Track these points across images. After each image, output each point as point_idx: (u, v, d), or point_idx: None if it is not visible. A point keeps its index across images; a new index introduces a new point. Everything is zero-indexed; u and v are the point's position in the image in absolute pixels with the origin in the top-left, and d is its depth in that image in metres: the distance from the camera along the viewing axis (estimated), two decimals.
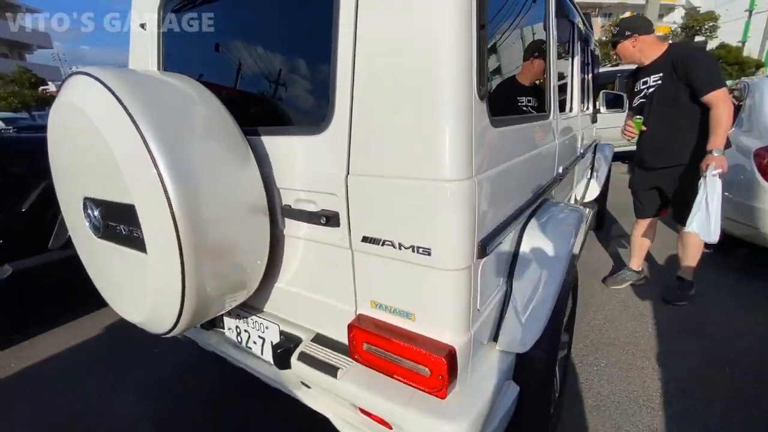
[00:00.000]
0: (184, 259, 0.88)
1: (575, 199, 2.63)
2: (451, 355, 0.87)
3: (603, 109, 3.00)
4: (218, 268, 1.01)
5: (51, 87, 24.25)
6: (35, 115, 20.90)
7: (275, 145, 1.08)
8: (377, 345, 0.96)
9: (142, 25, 1.50)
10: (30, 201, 2.41)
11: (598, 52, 3.25)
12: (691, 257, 2.44)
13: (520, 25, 1.41)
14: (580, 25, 2.33)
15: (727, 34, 26.15)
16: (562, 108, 1.88)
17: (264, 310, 1.35)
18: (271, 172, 1.09)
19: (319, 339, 1.20)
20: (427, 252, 0.84)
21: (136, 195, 0.86)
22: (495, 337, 1.14)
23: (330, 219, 0.99)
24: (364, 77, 0.87)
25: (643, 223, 2.62)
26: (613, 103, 2.98)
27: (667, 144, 2.25)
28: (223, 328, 1.49)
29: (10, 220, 2.32)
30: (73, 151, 1.02)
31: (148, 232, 0.88)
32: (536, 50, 1.75)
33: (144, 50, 1.50)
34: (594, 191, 3.36)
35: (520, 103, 1.90)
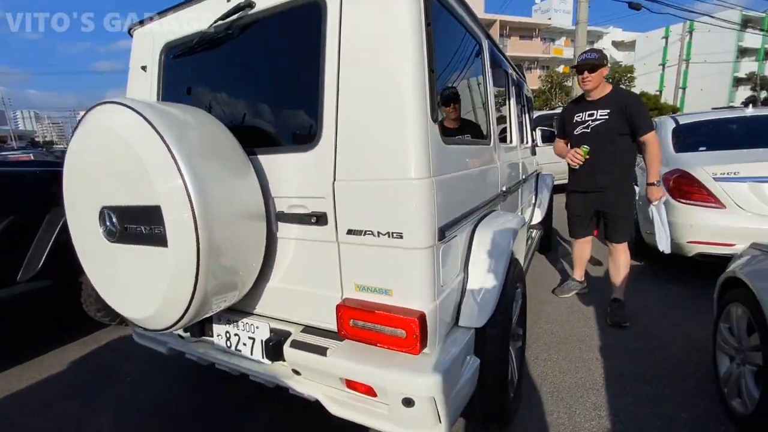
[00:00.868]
0: (200, 250, 1.06)
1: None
2: (421, 317, 1.09)
3: (540, 143, 3.50)
4: (224, 263, 1.18)
5: None
6: None
7: (271, 162, 1.32)
8: (362, 318, 1.16)
9: (143, 67, 1.72)
10: None
11: (531, 95, 3.81)
12: (622, 276, 2.70)
13: (464, 72, 1.78)
14: (513, 74, 2.82)
15: (646, 84, 30.22)
16: (502, 138, 2.27)
17: (254, 312, 1.50)
18: (267, 185, 1.31)
19: (307, 330, 1.37)
20: (400, 235, 1.09)
21: (163, 198, 1.05)
22: (457, 320, 1.37)
23: (319, 218, 1.22)
24: (346, 106, 1.15)
25: (581, 242, 2.95)
26: (548, 139, 3.50)
27: (604, 171, 2.55)
28: (212, 335, 1.61)
29: None
30: (96, 168, 1.20)
31: (171, 228, 1.06)
32: (451, 98, 1.96)
33: (144, 88, 1.71)
34: (538, 215, 3.80)
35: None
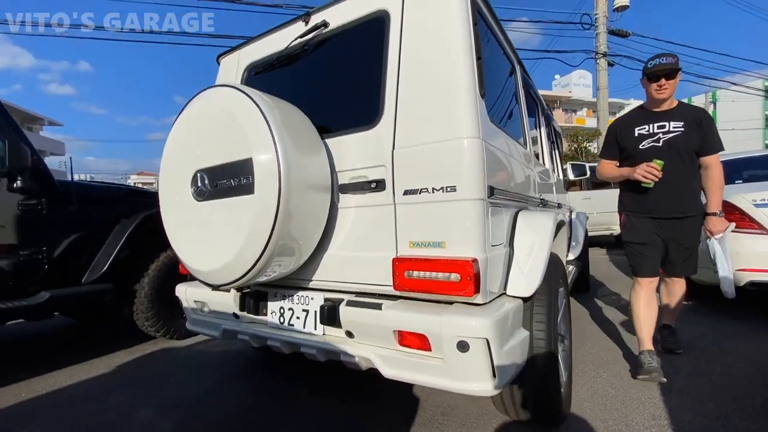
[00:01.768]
0: (280, 197, 1.24)
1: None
2: (474, 261, 1.17)
3: (571, 176, 3.62)
4: (292, 225, 1.34)
5: None
6: None
7: (338, 142, 1.52)
8: (417, 268, 1.25)
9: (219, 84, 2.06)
10: (70, 242, 2.68)
11: (560, 129, 4.01)
12: (676, 303, 2.42)
13: (499, 81, 2.01)
14: (543, 104, 3.06)
15: None
16: (536, 155, 2.43)
17: (309, 285, 1.61)
18: (333, 162, 1.51)
19: (359, 296, 1.46)
20: (453, 188, 1.22)
21: (255, 151, 1.26)
22: (504, 288, 1.42)
23: (378, 184, 1.39)
24: (406, 89, 1.37)
25: (646, 285, 2.24)
26: (579, 172, 3.62)
27: (683, 193, 2.14)
28: (266, 314, 1.70)
29: (53, 256, 2.56)
30: (198, 137, 1.44)
31: (259, 177, 1.25)
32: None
33: None
34: (576, 250, 3.79)
35: None
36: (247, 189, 1.27)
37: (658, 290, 2.37)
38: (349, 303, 1.40)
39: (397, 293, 1.35)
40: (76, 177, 2.71)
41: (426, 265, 1.24)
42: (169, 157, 1.56)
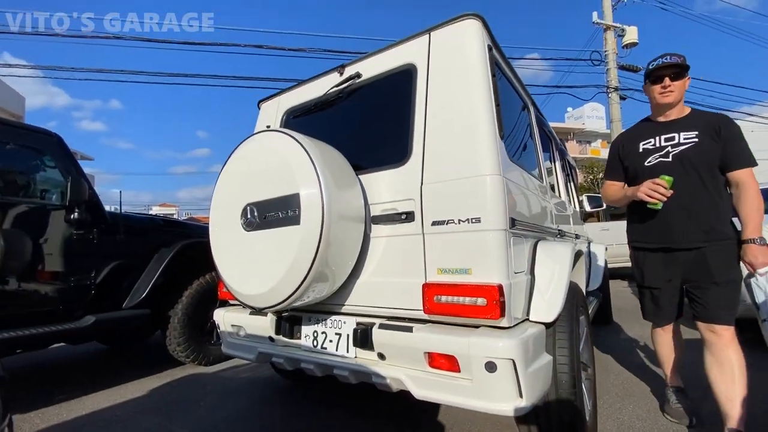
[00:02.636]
0: (323, 227, 1.39)
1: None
2: (500, 286, 1.28)
3: (587, 207, 3.70)
4: (330, 253, 1.48)
5: None
6: None
7: (370, 179, 1.69)
8: (445, 293, 1.37)
9: (268, 127, 2.30)
10: (114, 269, 2.88)
11: (574, 163, 4.13)
12: (737, 386, 1.64)
13: (515, 122, 2.18)
14: (557, 140, 3.21)
15: None
16: (552, 187, 2.55)
17: (341, 310, 1.72)
18: (366, 197, 1.67)
19: (389, 320, 1.56)
20: (478, 220, 1.36)
21: (302, 188, 1.43)
22: (527, 315, 1.51)
23: (408, 215, 1.53)
24: (433, 131, 1.54)
25: (661, 331, 2.01)
26: (595, 204, 3.71)
27: (702, 216, 1.74)
28: (300, 337, 1.82)
29: (98, 282, 2.75)
30: (249, 175, 1.63)
31: (305, 210, 1.41)
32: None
33: None
34: (596, 280, 3.80)
35: None
36: (294, 220, 1.44)
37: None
38: (382, 326, 1.51)
39: (426, 317, 1.45)
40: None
41: (454, 290, 1.35)
42: (221, 191, 1.75)
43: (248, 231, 1.59)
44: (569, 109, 39.00)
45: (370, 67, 1.86)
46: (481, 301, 1.30)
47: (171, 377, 3.02)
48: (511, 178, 1.50)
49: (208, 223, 1.86)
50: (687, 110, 1.92)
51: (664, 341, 2.03)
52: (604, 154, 32.35)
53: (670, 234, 1.82)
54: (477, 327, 1.37)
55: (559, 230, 2.29)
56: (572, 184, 3.78)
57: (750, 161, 1.73)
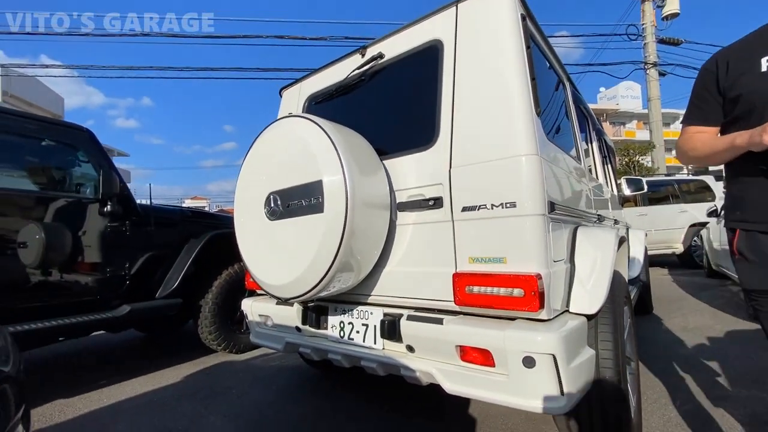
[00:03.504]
0: (347, 214, 1.33)
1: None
2: (539, 276, 1.18)
3: (627, 191, 3.47)
4: (355, 241, 1.42)
5: None
6: None
7: (395, 163, 1.61)
8: (477, 283, 1.28)
9: (290, 114, 2.25)
10: (147, 260, 2.96)
11: (612, 145, 3.88)
12: None
13: (551, 99, 2.02)
14: (594, 119, 3.00)
15: None
16: (590, 170, 2.38)
17: (368, 300, 1.67)
18: (391, 182, 1.59)
19: (417, 310, 1.49)
20: (513, 204, 1.25)
21: (325, 174, 1.37)
22: (567, 306, 1.40)
23: (436, 201, 1.44)
24: (461, 110, 1.43)
25: None
26: (635, 187, 3.47)
27: None
28: (327, 327, 1.78)
29: (133, 273, 2.83)
30: (272, 162, 1.59)
31: (328, 197, 1.35)
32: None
33: None
34: (636, 267, 3.57)
35: None
36: (318, 208, 1.38)
37: None
38: (410, 317, 1.44)
39: (458, 308, 1.38)
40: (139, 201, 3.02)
41: (487, 281, 1.27)
42: (244, 180, 1.72)
43: (272, 220, 1.56)
44: (602, 89, 37.10)
45: (393, 47, 1.76)
46: (517, 291, 1.20)
47: (204, 364, 3.10)
48: (548, 159, 1.38)
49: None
50: None
51: None
52: (640, 135, 30.60)
53: None
54: (513, 319, 1.28)
55: (598, 215, 2.13)
56: (610, 166, 3.54)
57: None
